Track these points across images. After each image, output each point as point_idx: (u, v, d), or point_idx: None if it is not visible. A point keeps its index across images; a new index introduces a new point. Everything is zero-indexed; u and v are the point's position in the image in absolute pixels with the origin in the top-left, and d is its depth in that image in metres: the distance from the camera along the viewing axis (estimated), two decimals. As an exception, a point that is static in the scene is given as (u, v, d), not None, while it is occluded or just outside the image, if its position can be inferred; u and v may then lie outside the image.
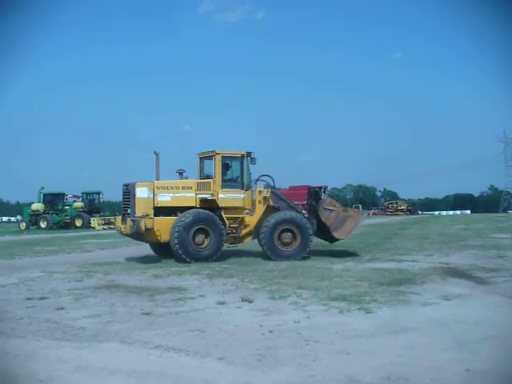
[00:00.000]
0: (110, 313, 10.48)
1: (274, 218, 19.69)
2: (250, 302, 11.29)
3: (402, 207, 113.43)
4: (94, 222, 56.05)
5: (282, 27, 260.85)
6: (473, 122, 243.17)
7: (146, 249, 22.42)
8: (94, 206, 62.65)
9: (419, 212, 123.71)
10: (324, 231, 21.11)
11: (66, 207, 60.85)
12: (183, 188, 20.15)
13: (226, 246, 20.20)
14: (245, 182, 20.36)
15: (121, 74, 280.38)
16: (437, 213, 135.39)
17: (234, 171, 20.72)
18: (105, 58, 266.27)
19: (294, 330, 8.85)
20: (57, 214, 58.51)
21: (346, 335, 8.51)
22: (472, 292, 12.20)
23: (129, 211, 20.25)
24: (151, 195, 19.66)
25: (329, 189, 72.99)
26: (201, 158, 21.24)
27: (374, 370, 6.77)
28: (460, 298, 11.43)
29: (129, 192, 20.32)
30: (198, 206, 19.78)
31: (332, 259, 19.35)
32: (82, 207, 61.00)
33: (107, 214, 65.47)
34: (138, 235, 19.88)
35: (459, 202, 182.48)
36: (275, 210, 20.20)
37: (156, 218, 19.39)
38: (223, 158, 20.26)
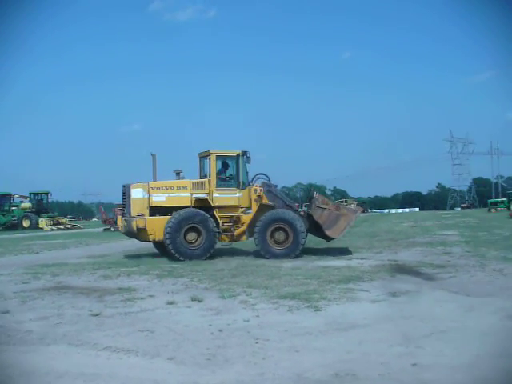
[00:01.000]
0: (57, 315, 10.32)
1: (266, 217, 19.71)
2: (200, 301, 11.26)
3: (352, 205, 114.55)
4: (42, 222, 55.10)
5: (233, 25, 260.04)
6: (421, 121, 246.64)
7: (96, 249, 22.25)
8: (42, 206, 61.69)
9: (369, 210, 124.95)
10: (319, 229, 20.89)
11: (13, 208, 59.75)
12: (178, 188, 20.41)
13: (220, 245, 20.72)
14: (240, 180, 20.42)
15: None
16: (386, 211, 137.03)
17: (230, 170, 20.90)
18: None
19: (244, 329, 8.88)
20: (3, 214, 57.50)
21: (296, 333, 8.55)
22: (419, 288, 12.39)
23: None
24: (146, 195, 20.09)
25: (278, 187, 73.21)
26: (200, 157, 21.45)
27: (322, 367, 6.83)
28: (407, 295, 11.61)
29: (125, 193, 20.85)
30: (192, 206, 20.05)
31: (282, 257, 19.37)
32: (29, 208, 59.96)
33: (56, 214, 64.60)
34: (131, 234, 20.51)
35: (408, 199, 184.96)
36: (271, 208, 20.20)
37: (149, 217, 19.81)
38: (218, 157, 20.48)
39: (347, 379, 6.44)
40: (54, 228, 53.41)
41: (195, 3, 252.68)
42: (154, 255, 21.23)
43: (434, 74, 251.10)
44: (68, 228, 55.87)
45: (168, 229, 19.25)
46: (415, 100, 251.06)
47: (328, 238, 21.37)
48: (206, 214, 19.65)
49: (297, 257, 19.15)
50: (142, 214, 19.89)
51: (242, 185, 20.42)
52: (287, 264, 17.30)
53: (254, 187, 20.40)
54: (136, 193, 20.21)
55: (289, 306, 10.55)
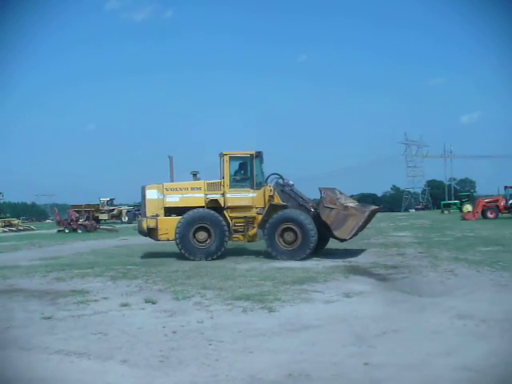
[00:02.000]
0: (8, 319, 10.16)
1: (276, 217, 19.47)
2: (154, 303, 11.21)
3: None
4: (-6, 224, 54.12)
5: (190, 26, 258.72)
6: (376, 123, 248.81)
7: (49, 251, 21.97)
8: (-8, 208, 60.62)
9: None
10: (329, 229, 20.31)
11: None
12: (192, 189, 20.73)
13: (231, 245, 20.99)
14: (254, 181, 20.37)
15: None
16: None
17: (244, 171, 20.82)
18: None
19: (198, 331, 8.87)
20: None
21: (249, 334, 8.59)
22: (373, 289, 12.55)
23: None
24: (161, 196, 20.61)
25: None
26: (220, 158, 21.33)
27: (276, 368, 6.87)
28: (361, 295, 11.73)
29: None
30: (206, 207, 20.29)
31: (236, 259, 19.47)
32: (-20, 210, 58.88)
33: (8, 215, 63.51)
34: (144, 234, 20.95)
35: (364, 201, 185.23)
36: (285, 208, 19.97)
37: (161, 217, 20.43)
38: (231, 158, 20.54)
39: (300, 379, 6.49)
40: (5, 230, 52.41)
41: (152, 3, 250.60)
42: (110, 256, 21.09)
43: (393, 75, 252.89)
44: (21, 230, 54.89)
45: (177, 229, 19.67)
46: (375, 100, 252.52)
47: (339, 239, 20.58)
48: (216, 214, 19.85)
49: (306, 258, 18.72)
50: (157, 215, 20.48)
51: (256, 185, 20.38)
52: (242, 265, 17.31)
53: (268, 187, 20.28)
54: (151, 194, 20.82)
55: (243, 307, 10.58)
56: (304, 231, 18.99)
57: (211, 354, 7.57)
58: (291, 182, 21.00)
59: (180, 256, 19.90)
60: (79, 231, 43.90)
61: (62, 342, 8.37)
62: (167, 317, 9.99)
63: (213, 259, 19.20)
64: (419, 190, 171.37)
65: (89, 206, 58.41)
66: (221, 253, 19.65)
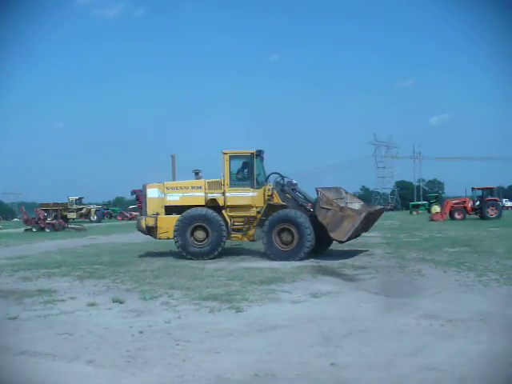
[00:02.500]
0: (-28, 319, 10.02)
1: (273, 217, 19.26)
2: (121, 302, 11.15)
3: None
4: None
5: (160, 25, 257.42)
6: (347, 124, 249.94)
7: (16, 250, 21.74)
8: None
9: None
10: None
11: None
12: (192, 188, 20.70)
13: (230, 244, 20.70)
14: (254, 180, 20.11)
15: None
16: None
17: (244, 170, 20.66)
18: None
19: (165, 331, 8.83)
20: None
21: (217, 334, 8.57)
22: (340, 289, 12.60)
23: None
24: (161, 195, 20.74)
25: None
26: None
27: (242, 368, 6.86)
28: (328, 295, 11.78)
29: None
30: (207, 206, 20.21)
31: (207, 258, 19.36)
32: None
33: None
34: (143, 232, 21.22)
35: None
36: (284, 207, 19.73)
37: (161, 216, 20.61)
38: (231, 157, 20.32)
39: (266, 379, 6.49)
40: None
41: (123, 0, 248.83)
42: (78, 256, 20.94)
43: (364, 78, 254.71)
44: (-14, 229, 54.35)
45: (175, 227, 19.77)
46: (344, 103, 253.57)
47: (336, 241, 20.01)
48: (214, 213, 19.81)
49: (303, 259, 18.41)
50: (158, 213, 20.66)
51: (256, 184, 20.13)
52: (210, 265, 17.30)
53: (268, 186, 20.12)
54: (152, 192, 21.06)
55: (210, 307, 10.56)
56: (300, 232, 18.78)
57: (178, 354, 7.54)
58: (295, 181, 20.85)
59: (146, 256, 19.85)
60: (47, 230, 43.46)
61: (28, 342, 8.27)
62: (134, 317, 9.94)
63: (210, 259, 19.20)
64: (388, 191, 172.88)
65: (57, 204, 57.94)
66: (218, 252, 19.61)
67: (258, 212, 20.09)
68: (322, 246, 20.10)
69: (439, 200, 78.74)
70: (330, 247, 21.28)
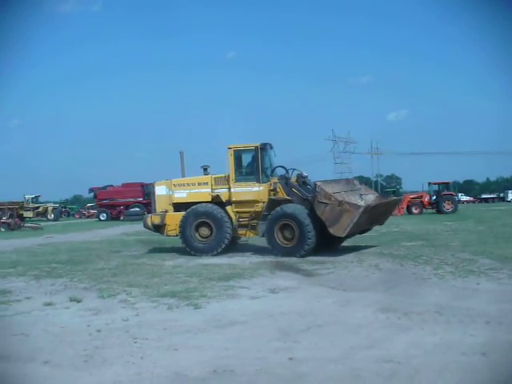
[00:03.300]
0: None
1: (275, 212, 18.70)
2: (79, 301, 11.06)
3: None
4: None
5: (120, 20, 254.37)
6: (306, 121, 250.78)
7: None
8: None
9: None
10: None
11: None
12: (199, 184, 20.54)
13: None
14: (260, 174, 19.64)
15: None
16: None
17: (249, 164, 20.31)
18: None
19: (123, 329, 8.80)
20: None
21: (175, 331, 8.57)
22: (298, 284, 12.69)
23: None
24: (169, 192, 20.76)
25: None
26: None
27: (201, 365, 6.87)
28: (287, 291, 11.84)
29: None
30: (213, 201, 19.98)
31: (163, 256, 19.38)
32: None
33: None
34: (149, 229, 21.47)
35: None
36: (288, 202, 19.04)
37: (169, 213, 20.57)
38: (236, 151, 19.98)
39: (225, 375, 6.51)
40: None
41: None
42: (34, 255, 20.68)
43: (322, 73, 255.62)
44: None
45: (179, 224, 19.80)
46: (305, 98, 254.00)
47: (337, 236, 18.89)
48: (218, 209, 19.57)
49: (305, 255, 17.75)
50: (166, 210, 20.64)
51: (262, 179, 19.63)
52: (169, 262, 17.26)
53: (273, 181, 19.46)
54: (160, 190, 21.10)
55: (169, 304, 10.54)
56: (301, 228, 18.15)
57: (136, 351, 7.51)
58: (305, 174, 20.11)
59: (105, 253, 19.67)
60: (2, 229, 42.70)
61: (-19, 344, 8.15)
62: (92, 315, 9.87)
63: (214, 255, 19.08)
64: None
65: (12, 203, 56.96)
66: (221, 249, 19.39)
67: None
68: (333, 241, 19.32)
69: (397, 195, 79.54)
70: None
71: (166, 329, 8.70)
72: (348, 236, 18.95)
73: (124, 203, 56.43)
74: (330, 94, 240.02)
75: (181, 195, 20.56)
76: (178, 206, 20.59)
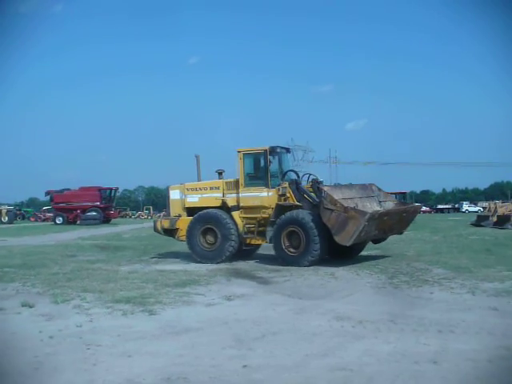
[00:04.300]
0: None
1: (282, 219, 17.91)
2: (31, 306, 10.87)
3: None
4: None
5: (81, 21, 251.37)
6: (266, 127, 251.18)
7: None
8: None
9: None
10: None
11: None
12: (211, 188, 20.05)
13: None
14: (269, 179, 18.80)
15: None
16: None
17: (258, 168, 19.36)
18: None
19: (76, 335, 8.67)
20: None
21: (129, 337, 8.48)
22: (254, 292, 12.70)
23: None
24: (183, 197, 20.43)
25: (119, 190, 72.00)
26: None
27: (154, 372, 6.81)
28: (242, 298, 11.84)
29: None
30: (224, 207, 19.40)
31: (120, 261, 19.23)
32: None
33: None
34: (160, 233, 21.23)
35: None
36: (298, 208, 18.13)
37: (182, 218, 20.21)
38: (245, 155, 19.28)
39: (178, 383, 6.46)
40: None
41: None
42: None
43: (285, 80, 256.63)
44: None
45: (187, 229, 19.47)
46: (262, 106, 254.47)
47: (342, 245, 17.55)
48: (223, 215, 18.99)
49: (311, 265, 16.94)
50: (180, 215, 20.40)
51: (271, 183, 18.78)
52: (124, 268, 17.09)
53: (283, 185, 18.46)
54: (174, 194, 20.87)
55: (123, 310, 10.45)
56: (307, 236, 17.25)
57: (89, 358, 7.41)
58: (320, 179, 19.21)
59: (60, 258, 19.42)
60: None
61: None
62: (45, 321, 9.71)
63: (218, 262, 18.45)
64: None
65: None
66: (227, 257, 18.73)
67: None
68: (350, 250, 18.27)
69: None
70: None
71: (120, 335, 8.61)
72: (358, 244, 18.05)
73: (81, 207, 55.84)
74: (291, 101, 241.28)
75: (193, 200, 20.19)
76: (190, 211, 20.18)
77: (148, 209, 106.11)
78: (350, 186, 19.08)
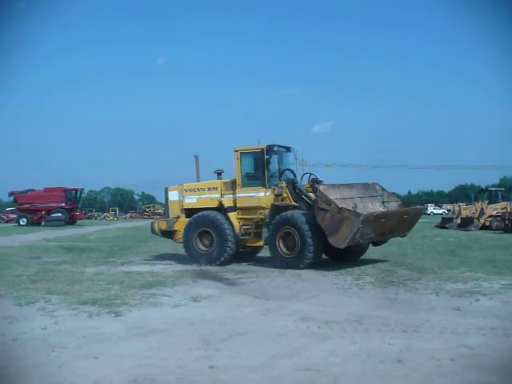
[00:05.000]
0: None
1: (276, 220, 17.44)
2: (-6, 309, 10.72)
3: (159, 211, 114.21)
4: None
5: (43, 14, 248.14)
6: (232, 130, 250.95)
7: None
8: None
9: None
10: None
11: None
12: (209, 189, 19.60)
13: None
14: (266, 179, 18.27)
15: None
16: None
17: (255, 168, 18.96)
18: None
19: (41, 337, 8.58)
20: None
21: (95, 339, 8.43)
22: (221, 293, 12.71)
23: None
24: (181, 198, 20.03)
25: (85, 191, 71.33)
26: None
27: (121, 373, 6.78)
28: (209, 299, 11.84)
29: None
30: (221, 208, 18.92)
31: (85, 262, 19.07)
32: None
33: None
34: (157, 235, 20.98)
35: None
36: (294, 208, 17.63)
37: (180, 219, 19.75)
38: (242, 154, 18.80)
39: (145, 384, 6.45)
40: None
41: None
42: None
43: (248, 84, 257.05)
44: None
45: (183, 231, 19.12)
46: (232, 107, 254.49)
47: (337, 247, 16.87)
48: (218, 217, 18.54)
49: (307, 267, 16.56)
50: (178, 216, 19.97)
51: (268, 183, 18.29)
52: (90, 269, 16.95)
53: (279, 185, 18.05)
54: (173, 195, 20.48)
55: (89, 311, 10.37)
56: (302, 237, 16.77)
57: (54, 361, 7.34)
58: (320, 178, 18.68)
59: (24, 260, 19.18)
60: None
61: None
62: (8, 324, 9.58)
63: (215, 265, 17.92)
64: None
65: None
66: (224, 259, 18.20)
67: None
68: (350, 253, 18.12)
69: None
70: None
71: (85, 337, 8.55)
72: (357, 246, 17.81)
73: (45, 208, 55.19)
74: (257, 104, 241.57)
75: (191, 201, 19.74)
76: (189, 212, 19.70)
77: (114, 210, 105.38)
78: (350, 186, 18.50)
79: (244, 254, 19.38)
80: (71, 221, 55.88)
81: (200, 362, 7.24)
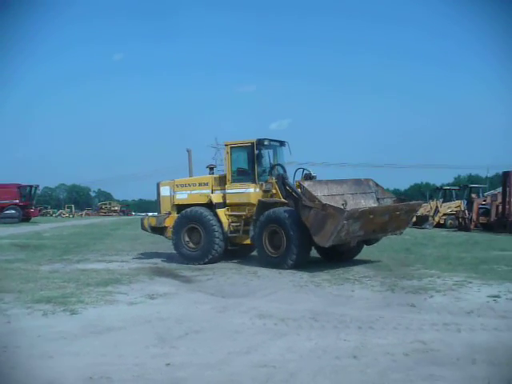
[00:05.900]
0: None
1: (263, 217, 16.81)
2: None
3: (116, 208, 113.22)
4: None
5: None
6: (191, 127, 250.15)
7: None
8: None
9: (133, 213, 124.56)
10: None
11: None
12: (200, 185, 19.14)
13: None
14: (255, 174, 17.71)
15: None
16: (150, 214, 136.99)
17: (245, 162, 18.36)
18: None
19: (-8, 337, 8.45)
20: None
21: (50, 338, 8.34)
22: (177, 290, 12.70)
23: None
24: (172, 193, 19.62)
25: (40, 188, 70.14)
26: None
27: (76, 372, 6.74)
28: (165, 297, 11.82)
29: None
30: (214, 204, 18.35)
31: (40, 260, 18.76)
32: None
33: None
34: (147, 231, 20.49)
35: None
36: (283, 205, 16.92)
37: (171, 215, 19.28)
38: (232, 148, 18.29)
39: (101, 382, 6.43)
40: None
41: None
42: None
43: (206, 81, 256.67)
44: None
45: (172, 228, 18.77)
46: (190, 107, 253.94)
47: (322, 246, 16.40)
48: (206, 213, 18.06)
49: (292, 268, 15.88)
50: (169, 212, 19.55)
51: (258, 179, 17.69)
52: (45, 267, 16.71)
53: (268, 181, 17.54)
54: (164, 190, 20.06)
55: (44, 310, 10.26)
56: (287, 235, 16.16)
57: (5, 361, 7.24)
58: (314, 174, 18.01)
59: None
60: None
61: None
62: (-42, 323, 9.41)
63: (204, 263, 17.61)
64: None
65: None
66: (212, 257, 17.77)
67: None
68: (344, 252, 17.72)
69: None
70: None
71: (40, 336, 8.45)
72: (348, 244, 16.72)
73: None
74: (215, 101, 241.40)
75: (182, 196, 19.33)
76: (180, 208, 19.21)
77: (70, 207, 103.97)
78: (340, 182, 17.80)
79: (237, 253, 19.11)
80: (25, 218, 54.91)
81: (156, 359, 7.24)
